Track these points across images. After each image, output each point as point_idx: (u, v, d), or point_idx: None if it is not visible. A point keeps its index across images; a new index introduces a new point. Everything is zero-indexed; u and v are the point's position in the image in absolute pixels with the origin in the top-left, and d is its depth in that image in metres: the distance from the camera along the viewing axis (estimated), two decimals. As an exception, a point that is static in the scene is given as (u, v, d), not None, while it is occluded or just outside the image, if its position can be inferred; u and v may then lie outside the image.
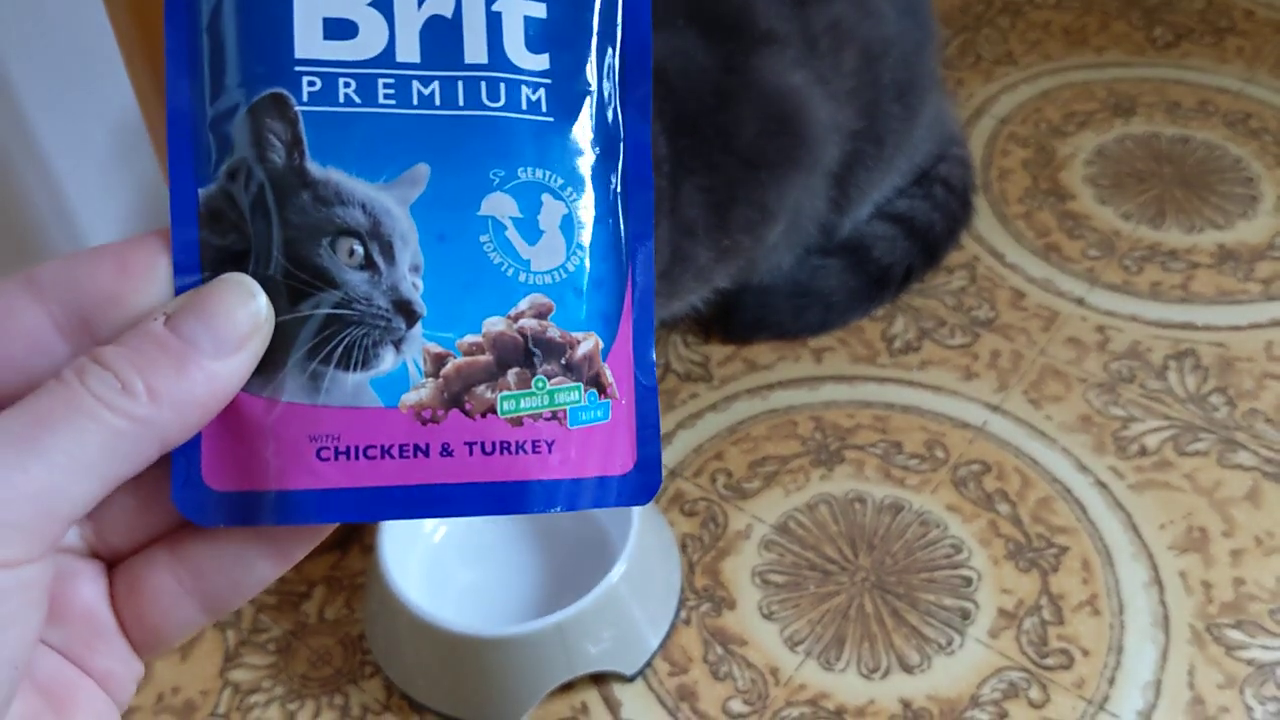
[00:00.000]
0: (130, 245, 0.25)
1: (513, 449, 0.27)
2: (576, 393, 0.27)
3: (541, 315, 0.27)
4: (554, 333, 0.27)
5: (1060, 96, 1.05)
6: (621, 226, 0.29)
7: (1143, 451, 0.76)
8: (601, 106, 0.28)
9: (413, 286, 0.26)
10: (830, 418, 0.80)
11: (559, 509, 0.27)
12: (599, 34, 0.29)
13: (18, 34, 0.70)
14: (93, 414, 0.23)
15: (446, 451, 0.26)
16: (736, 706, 0.65)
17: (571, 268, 0.28)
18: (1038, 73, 1.07)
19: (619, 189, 0.29)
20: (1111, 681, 0.65)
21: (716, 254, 0.76)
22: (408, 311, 0.26)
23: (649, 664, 0.67)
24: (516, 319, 0.27)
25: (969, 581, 0.70)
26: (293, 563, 0.27)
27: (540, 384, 0.27)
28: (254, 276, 0.25)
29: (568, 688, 0.65)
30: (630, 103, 0.29)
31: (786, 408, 0.80)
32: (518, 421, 0.27)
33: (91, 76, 0.74)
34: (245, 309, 0.25)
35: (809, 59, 0.76)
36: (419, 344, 0.26)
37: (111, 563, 0.26)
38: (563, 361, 0.27)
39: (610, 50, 0.29)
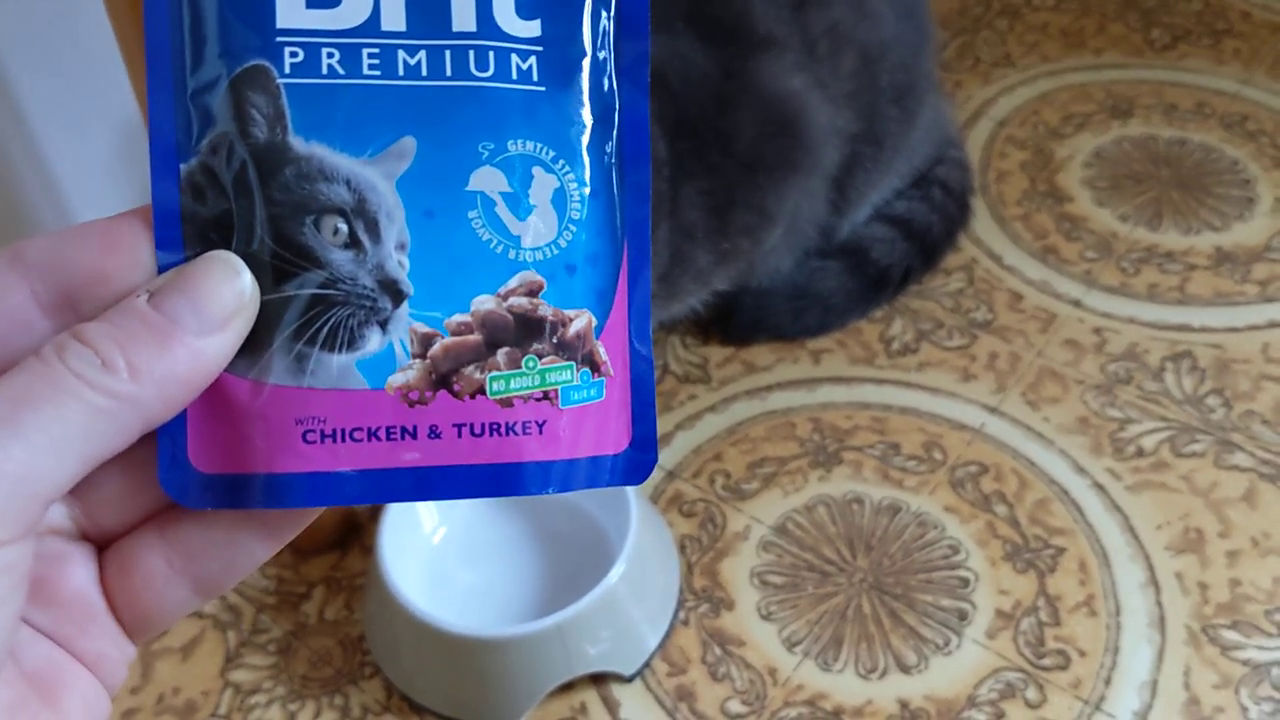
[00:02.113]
0: (114, 222, 0.25)
1: (503, 430, 0.26)
2: (569, 372, 0.27)
3: (532, 293, 0.26)
4: (545, 310, 0.26)
5: (1058, 98, 1.05)
6: (616, 199, 0.28)
7: (1140, 453, 0.76)
8: (596, 74, 0.27)
9: (399, 265, 0.25)
10: (828, 419, 0.80)
11: (552, 490, 0.27)
12: None
13: (19, 37, 0.70)
14: (73, 391, 0.22)
15: (435, 434, 0.26)
16: (735, 707, 0.66)
17: (564, 243, 0.27)
18: (1035, 75, 1.08)
19: (614, 160, 0.28)
20: (1108, 682, 0.65)
21: (716, 257, 0.76)
22: (394, 291, 0.25)
23: (647, 664, 0.67)
24: (506, 297, 0.26)
25: (966, 582, 0.70)
26: (283, 543, 0.27)
27: (531, 363, 0.26)
28: (238, 254, 0.25)
29: (567, 688, 0.66)
30: (626, 70, 0.28)
31: (785, 409, 0.81)
32: (508, 402, 0.26)
33: (93, 80, 0.74)
34: (230, 286, 0.24)
35: (808, 63, 0.76)
36: (406, 324, 0.26)
37: (102, 545, 0.26)
38: (554, 340, 0.26)
39: (605, 15, 0.28)
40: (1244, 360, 0.82)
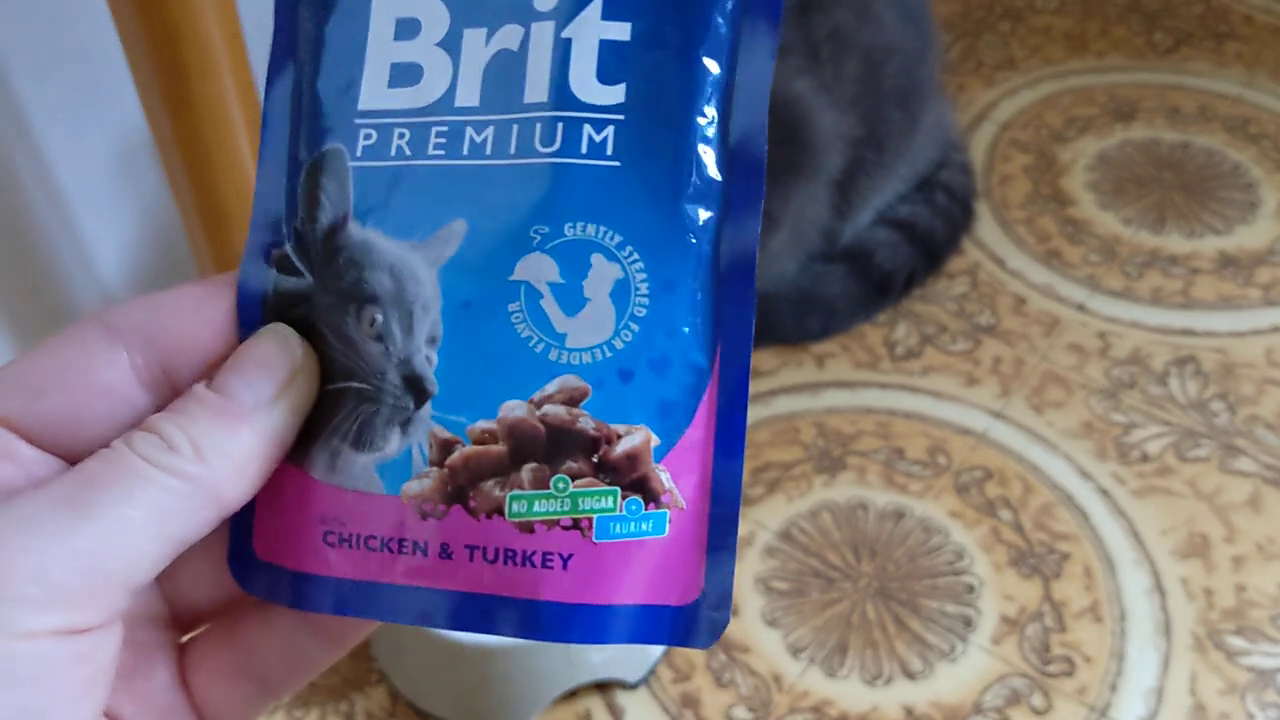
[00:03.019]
0: (208, 290, 0.25)
1: (518, 559, 0.23)
2: (610, 498, 0.23)
3: (573, 401, 0.23)
4: (586, 423, 0.23)
5: (1061, 102, 1.05)
6: (707, 297, 0.23)
7: (1144, 458, 0.76)
8: (693, 145, 0.23)
9: (426, 360, 0.23)
10: (832, 424, 0.80)
11: (573, 640, 0.23)
12: (706, 52, 0.24)
13: (24, 44, 0.70)
14: (141, 474, 0.22)
15: (445, 553, 0.23)
16: (740, 714, 0.65)
17: (620, 344, 0.23)
18: (1038, 78, 1.08)
19: (709, 249, 0.23)
20: (1114, 688, 0.65)
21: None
22: (418, 389, 0.23)
23: (652, 671, 0.67)
24: (540, 404, 0.23)
25: (971, 588, 0.70)
26: (343, 650, 0.25)
27: (561, 484, 0.23)
28: (305, 340, 0.24)
29: (571, 695, 0.66)
30: (739, 141, 0.24)
31: (789, 414, 0.81)
32: (528, 527, 0.23)
33: (98, 88, 0.74)
34: (280, 359, 0.24)
35: (811, 67, 0.76)
36: (426, 426, 0.23)
37: (190, 627, 0.26)
38: (595, 459, 0.23)
39: (718, 74, 0.24)
40: (1248, 364, 0.82)
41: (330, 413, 0.24)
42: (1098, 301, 0.87)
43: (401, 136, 0.24)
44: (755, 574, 0.72)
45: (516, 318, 0.23)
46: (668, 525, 0.23)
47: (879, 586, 0.71)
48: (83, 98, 0.74)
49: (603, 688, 0.67)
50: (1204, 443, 0.77)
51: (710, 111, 0.23)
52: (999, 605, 0.69)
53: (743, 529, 0.74)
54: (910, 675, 0.67)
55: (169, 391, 0.24)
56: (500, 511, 0.23)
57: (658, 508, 0.23)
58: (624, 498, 0.23)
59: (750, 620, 0.69)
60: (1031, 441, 0.78)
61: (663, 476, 0.23)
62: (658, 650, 0.67)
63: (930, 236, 0.87)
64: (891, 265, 0.85)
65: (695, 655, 0.68)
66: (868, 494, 0.76)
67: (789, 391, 0.82)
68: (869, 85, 0.80)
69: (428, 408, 0.23)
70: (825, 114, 0.77)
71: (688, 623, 0.23)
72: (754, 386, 0.82)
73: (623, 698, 0.66)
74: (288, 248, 0.24)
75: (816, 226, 0.82)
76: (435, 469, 0.23)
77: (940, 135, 0.89)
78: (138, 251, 0.82)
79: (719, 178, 0.23)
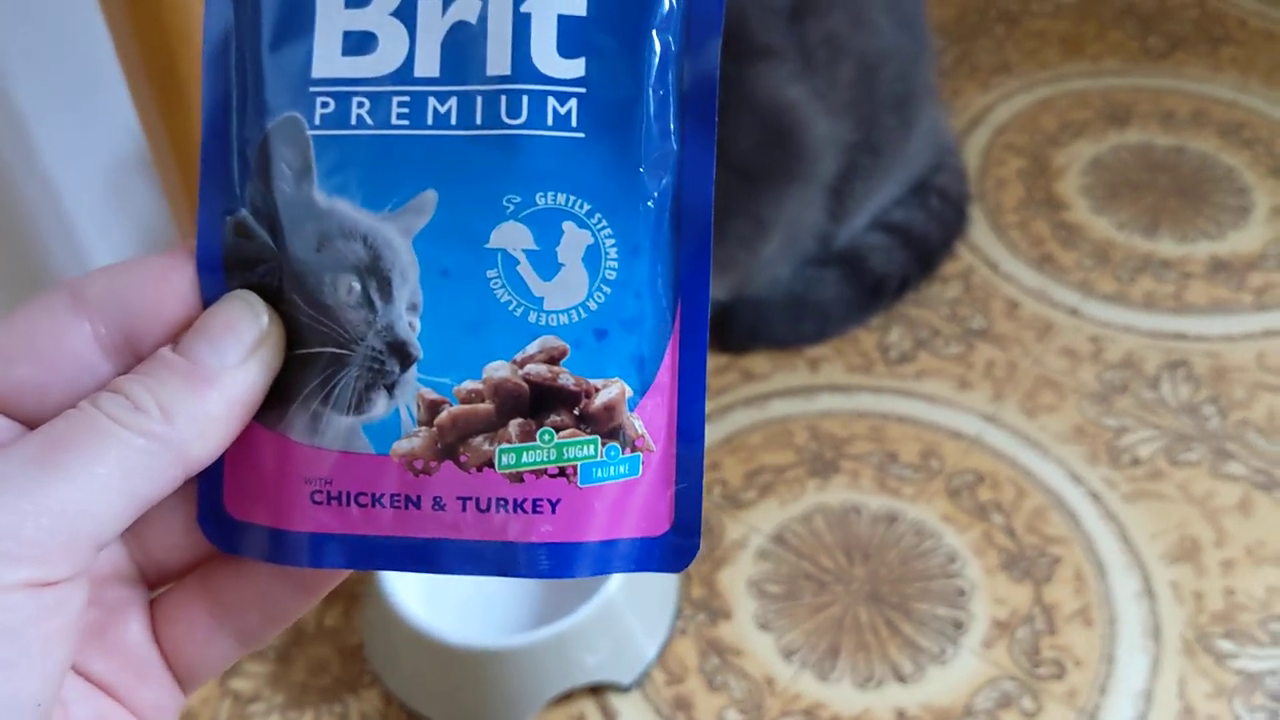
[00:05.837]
0: (170, 260, 0.25)
1: (510, 507, 0.25)
2: (592, 447, 0.25)
3: (553, 360, 0.25)
4: (566, 379, 0.25)
5: (1056, 105, 1.05)
6: (668, 257, 0.25)
7: (1135, 462, 0.77)
8: (649, 116, 0.25)
9: (409, 326, 0.24)
10: (826, 428, 0.80)
11: (564, 575, 0.25)
12: (658, 27, 0.25)
13: (20, 50, 0.70)
14: (109, 433, 0.23)
15: (438, 505, 0.25)
16: (732, 716, 0.66)
17: (593, 306, 0.25)
18: (1033, 82, 1.08)
19: (668, 213, 0.25)
20: (1103, 691, 0.66)
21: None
22: (402, 354, 0.24)
23: (646, 674, 0.68)
24: (523, 364, 0.25)
25: (963, 592, 0.71)
26: (317, 598, 0.27)
27: (546, 436, 0.25)
28: (271, 305, 0.25)
29: (565, 698, 0.66)
30: (692, 111, 0.25)
31: (782, 417, 0.81)
32: (517, 477, 0.25)
33: (94, 92, 0.74)
34: (247, 324, 0.24)
35: (805, 72, 0.77)
36: (413, 389, 0.25)
37: (159, 585, 0.27)
38: (576, 411, 0.25)
39: (670, 48, 0.25)
40: (1239, 369, 0.82)
41: (305, 378, 0.25)
42: (1090, 306, 0.87)
43: (361, 106, 0.25)
44: (748, 577, 0.72)
45: (495, 283, 0.25)
46: (641, 467, 0.25)
47: (871, 590, 0.71)
48: (79, 101, 0.75)
49: (596, 690, 0.67)
50: (1195, 447, 0.77)
51: (664, 84, 0.25)
52: (990, 609, 0.70)
53: (735, 532, 0.74)
54: (902, 678, 0.67)
55: (131, 360, 0.25)
56: (490, 464, 0.25)
57: (633, 452, 0.25)
58: (603, 445, 0.25)
59: (743, 623, 0.70)
60: (1024, 445, 0.78)
61: (636, 424, 0.25)
62: (651, 652, 0.68)
63: (924, 240, 0.88)
64: (885, 269, 0.86)
65: (688, 658, 0.68)
66: (860, 498, 0.76)
67: (782, 395, 0.82)
68: (863, 91, 0.81)
69: (413, 371, 0.25)
70: (819, 120, 0.77)
71: (662, 551, 0.26)
72: (747, 390, 0.83)
73: (616, 700, 0.67)
74: (244, 214, 0.25)
75: (810, 231, 0.83)
76: (424, 428, 0.25)
77: (935, 139, 0.90)
78: (134, 254, 0.82)
79: (675, 147, 0.25)
